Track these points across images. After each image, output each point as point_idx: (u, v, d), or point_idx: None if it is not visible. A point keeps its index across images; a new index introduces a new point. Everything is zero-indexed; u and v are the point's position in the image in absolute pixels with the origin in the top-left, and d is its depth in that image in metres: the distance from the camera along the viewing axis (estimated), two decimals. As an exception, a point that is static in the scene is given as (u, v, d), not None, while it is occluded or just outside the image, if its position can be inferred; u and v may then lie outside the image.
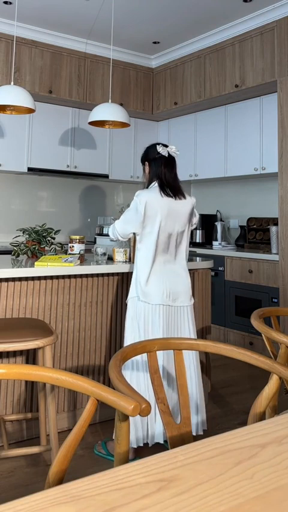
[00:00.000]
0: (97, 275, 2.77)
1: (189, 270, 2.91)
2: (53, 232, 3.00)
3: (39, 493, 0.65)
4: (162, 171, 2.43)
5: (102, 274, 2.79)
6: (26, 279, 2.55)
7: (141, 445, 2.30)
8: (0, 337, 2.00)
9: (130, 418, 1.08)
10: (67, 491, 0.66)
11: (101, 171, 5.22)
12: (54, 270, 2.50)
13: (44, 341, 2.04)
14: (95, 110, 3.47)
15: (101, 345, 2.78)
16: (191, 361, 2.40)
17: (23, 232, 2.99)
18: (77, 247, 2.83)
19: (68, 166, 4.99)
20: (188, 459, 0.75)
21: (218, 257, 4.51)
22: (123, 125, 3.60)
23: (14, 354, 2.51)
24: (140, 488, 0.67)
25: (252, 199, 5.05)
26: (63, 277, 2.66)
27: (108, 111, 3.43)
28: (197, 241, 5.20)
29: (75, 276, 2.70)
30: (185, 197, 2.45)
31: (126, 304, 2.46)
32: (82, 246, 2.85)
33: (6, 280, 2.49)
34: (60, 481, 1.02)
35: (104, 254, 2.79)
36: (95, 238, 3.42)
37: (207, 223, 5.21)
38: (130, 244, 2.77)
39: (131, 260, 2.79)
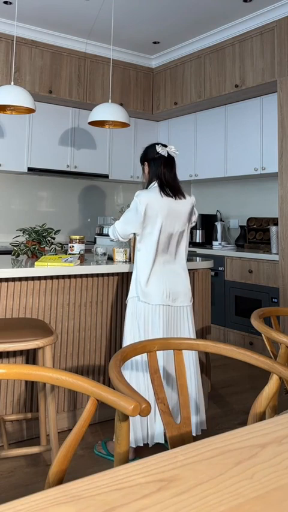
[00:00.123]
0: (97, 275, 2.77)
1: (189, 270, 2.91)
2: (53, 232, 3.00)
3: (39, 493, 0.65)
4: (161, 171, 2.43)
5: (102, 274, 2.79)
6: (26, 279, 2.55)
7: (141, 445, 2.30)
8: (0, 337, 2.00)
9: (130, 418, 1.08)
10: (67, 491, 0.66)
11: (101, 171, 5.22)
12: (54, 270, 2.50)
13: (44, 341, 2.04)
14: (95, 110, 3.47)
15: (101, 345, 2.78)
16: (190, 361, 2.40)
17: (23, 232, 2.99)
18: (77, 247, 2.83)
19: (68, 166, 4.99)
20: (188, 459, 0.75)
21: (218, 257, 4.51)
22: (123, 125, 3.59)
23: (14, 354, 2.51)
24: (140, 488, 0.67)
25: (252, 199, 5.05)
26: (63, 277, 2.66)
27: (108, 111, 3.43)
28: (197, 241, 5.20)
29: (75, 276, 2.70)
30: (184, 197, 2.45)
31: (126, 304, 2.46)
32: (82, 246, 2.85)
33: (6, 280, 2.49)
34: (60, 481, 1.02)
35: (104, 254, 2.79)
36: (95, 238, 3.42)
37: (207, 223, 5.21)
38: (130, 244, 2.77)
39: (131, 260, 2.79)
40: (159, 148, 2.44)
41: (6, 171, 4.79)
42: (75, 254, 2.80)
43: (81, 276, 2.72)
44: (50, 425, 2.10)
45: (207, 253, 4.67)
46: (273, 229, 4.28)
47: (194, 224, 2.60)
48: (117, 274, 2.83)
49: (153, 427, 2.31)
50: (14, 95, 3.12)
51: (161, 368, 2.25)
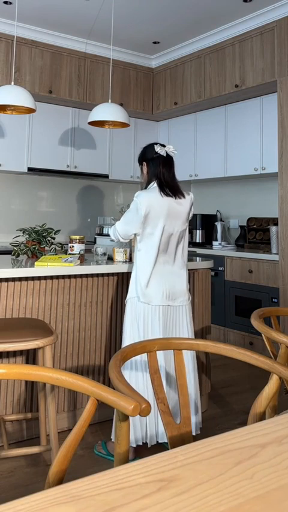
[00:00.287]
0: (97, 275, 2.77)
1: (189, 270, 2.91)
2: (53, 232, 3.00)
3: (39, 493, 0.65)
4: (160, 171, 2.42)
5: (102, 274, 2.79)
6: (26, 279, 2.55)
7: (141, 444, 2.30)
8: (0, 337, 2.00)
9: (130, 418, 1.08)
10: (67, 491, 0.66)
11: (101, 171, 5.22)
12: (54, 270, 2.50)
13: (44, 341, 2.04)
14: (95, 110, 3.47)
15: (101, 345, 2.78)
16: (189, 361, 2.40)
17: (23, 232, 2.99)
18: (77, 247, 2.83)
19: (68, 166, 4.99)
20: (188, 459, 0.75)
21: (218, 257, 4.51)
22: (123, 125, 3.59)
23: (14, 354, 2.51)
24: (140, 488, 0.67)
25: (252, 199, 5.05)
26: (63, 277, 2.66)
27: (108, 111, 3.43)
28: (197, 241, 5.19)
29: (75, 276, 2.70)
30: (184, 196, 2.44)
31: (125, 304, 2.46)
32: (82, 246, 2.85)
33: (6, 280, 2.49)
34: (60, 481, 1.02)
35: (104, 254, 2.79)
36: (95, 238, 3.42)
37: (207, 223, 5.21)
38: (131, 244, 2.77)
39: (131, 260, 2.79)
40: (157, 148, 2.43)
41: (6, 171, 4.79)
42: (75, 254, 2.80)
43: (81, 276, 2.72)
44: (50, 425, 2.10)
45: (207, 253, 4.67)
46: (273, 229, 4.28)
47: (190, 218, 2.58)
48: (117, 274, 2.83)
49: (153, 427, 2.31)
50: (15, 94, 3.12)
51: (160, 368, 2.25)
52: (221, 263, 4.51)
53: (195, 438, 2.04)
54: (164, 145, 2.46)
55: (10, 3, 4.07)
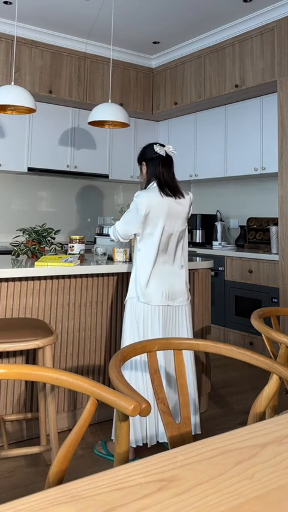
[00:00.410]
0: (97, 275, 2.77)
1: (189, 270, 2.91)
2: (53, 232, 3.00)
3: (39, 493, 0.65)
4: (160, 171, 2.42)
5: (102, 274, 2.79)
6: (26, 279, 2.55)
7: (141, 444, 2.30)
8: (0, 337, 2.00)
9: (130, 418, 1.08)
10: (67, 491, 0.66)
11: (101, 171, 5.22)
12: (54, 270, 2.50)
13: (44, 341, 2.04)
14: (95, 110, 3.47)
15: (101, 345, 2.78)
16: (188, 361, 2.40)
17: (23, 232, 2.99)
18: (77, 247, 2.83)
19: (68, 166, 4.99)
20: (188, 459, 0.75)
21: (218, 257, 4.51)
22: (123, 125, 3.59)
23: (14, 354, 2.51)
24: (140, 488, 0.67)
25: (252, 199, 5.05)
26: (63, 277, 2.66)
27: (108, 111, 3.43)
28: (197, 241, 5.19)
29: (75, 276, 2.70)
30: (183, 196, 2.44)
31: (125, 304, 2.46)
32: (82, 246, 2.85)
33: (6, 280, 2.49)
34: (60, 481, 1.02)
35: (104, 254, 2.79)
36: (95, 238, 3.42)
37: (207, 223, 5.21)
38: (130, 244, 2.77)
39: (131, 260, 2.79)
40: (157, 148, 2.43)
41: (6, 171, 4.79)
42: (75, 254, 2.80)
43: (81, 276, 2.72)
44: (50, 425, 2.10)
45: (207, 253, 4.67)
46: (273, 229, 4.28)
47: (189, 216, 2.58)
48: (117, 274, 2.83)
49: (153, 427, 2.31)
50: (15, 94, 3.12)
51: (160, 368, 2.25)
52: (221, 263, 4.51)
53: (195, 438, 2.04)
54: (163, 145, 2.46)
55: (10, 3, 4.07)
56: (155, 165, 2.43)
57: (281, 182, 3.90)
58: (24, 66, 4.57)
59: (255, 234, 4.80)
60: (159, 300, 2.34)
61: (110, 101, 3.58)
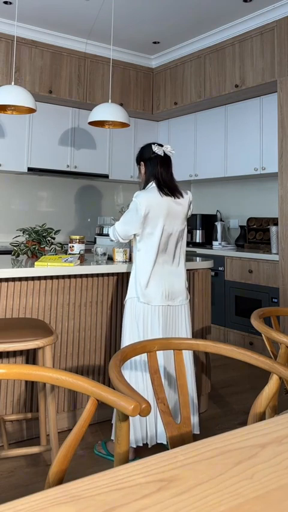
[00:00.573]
0: (97, 275, 2.77)
1: (189, 270, 2.91)
2: (53, 232, 3.01)
3: (39, 493, 0.65)
4: (158, 171, 2.42)
5: (102, 274, 2.79)
6: (26, 279, 2.55)
7: (141, 444, 2.30)
8: (0, 337, 2.00)
9: (130, 418, 1.08)
10: (67, 491, 0.66)
11: (101, 171, 5.22)
12: (54, 270, 2.50)
13: (44, 341, 2.04)
14: (95, 110, 3.47)
15: (101, 345, 2.78)
16: (187, 361, 2.40)
17: (23, 232, 2.99)
18: (77, 247, 2.83)
19: (68, 166, 4.99)
20: (188, 459, 0.75)
21: (218, 257, 4.51)
22: (123, 125, 3.59)
23: (14, 354, 2.51)
24: (140, 488, 0.67)
25: (252, 199, 5.05)
26: (63, 277, 2.66)
27: (108, 111, 3.43)
28: (197, 241, 5.19)
29: (75, 276, 2.70)
30: (182, 195, 2.44)
31: (125, 304, 2.46)
32: (82, 246, 2.85)
33: (6, 280, 2.49)
34: (60, 481, 1.02)
35: (104, 254, 2.79)
36: (95, 238, 3.42)
37: (207, 223, 5.21)
38: (130, 244, 2.77)
39: (131, 260, 2.78)
40: (155, 148, 2.43)
41: (6, 171, 4.79)
42: (75, 254, 2.80)
43: (81, 276, 2.72)
44: (50, 425, 2.10)
45: (207, 253, 4.67)
46: (273, 229, 4.28)
47: (189, 216, 2.57)
48: (117, 274, 2.83)
49: (153, 427, 2.31)
50: (15, 94, 3.12)
51: (160, 368, 2.25)
52: (221, 263, 4.51)
53: (195, 438, 2.04)
54: (161, 145, 2.46)
55: (10, 3, 4.07)
56: (154, 165, 2.43)
57: (281, 182, 3.90)
58: (24, 66, 4.57)
59: (255, 234, 4.80)
60: (159, 300, 2.34)
61: (110, 101, 3.58)
